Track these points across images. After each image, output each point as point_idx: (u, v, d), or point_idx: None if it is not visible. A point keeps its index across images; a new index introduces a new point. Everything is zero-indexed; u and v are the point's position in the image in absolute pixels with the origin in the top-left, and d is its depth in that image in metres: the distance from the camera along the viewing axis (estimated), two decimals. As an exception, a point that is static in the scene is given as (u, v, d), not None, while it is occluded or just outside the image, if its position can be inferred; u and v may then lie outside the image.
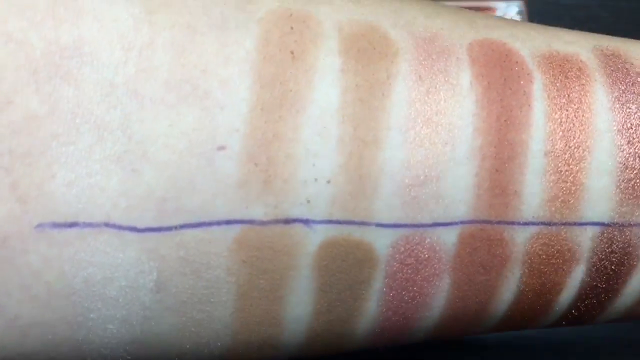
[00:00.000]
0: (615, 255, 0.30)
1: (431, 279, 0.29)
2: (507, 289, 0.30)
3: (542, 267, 0.30)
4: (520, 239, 0.29)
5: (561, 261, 0.30)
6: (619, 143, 0.29)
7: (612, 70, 0.30)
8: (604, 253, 0.30)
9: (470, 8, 0.62)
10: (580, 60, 0.30)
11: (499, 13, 0.62)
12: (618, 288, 0.31)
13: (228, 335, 0.29)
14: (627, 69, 0.30)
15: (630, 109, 0.29)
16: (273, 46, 0.27)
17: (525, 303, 0.31)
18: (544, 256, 0.30)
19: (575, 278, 0.30)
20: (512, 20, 0.33)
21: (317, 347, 0.31)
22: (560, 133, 0.29)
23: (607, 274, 0.31)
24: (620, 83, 0.30)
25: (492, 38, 0.30)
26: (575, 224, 0.29)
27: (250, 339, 0.29)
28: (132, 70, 0.25)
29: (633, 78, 0.30)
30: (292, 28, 0.27)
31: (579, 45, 0.31)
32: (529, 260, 0.30)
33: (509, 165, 0.28)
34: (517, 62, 0.29)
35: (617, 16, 0.66)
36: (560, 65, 0.30)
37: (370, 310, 0.29)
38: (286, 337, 0.29)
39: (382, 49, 0.28)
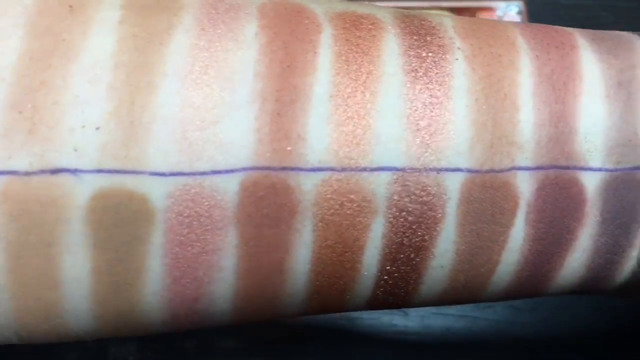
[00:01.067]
0: (415, 205, 0.29)
1: (215, 232, 0.27)
2: (302, 243, 0.28)
3: (336, 218, 0.28)
4: (308, 186, 0.27)
5: (356, 212, 0.28)
6: (410, 86, 0.28)
7: (406, 25, 0.30)
8: (401, 202, 0.28)
9: (470, 8, 0.62)
10: (376, 17, 0.30)
11: (499, 13, 0.62)
12: (427, 246, 0.29)
13: (5, 300, 0.27)
14: (421, 24, 0.30)
15: (421, 55, 0.29)
16: (52, 1, 0.27)
17: (327, 263, 0.29)
18: (336, 206, 0.28)
19: (376, 232, 0.29)
20: None
21: (107, 316, 0.28)
22: (347, 77, 0.28)
23: (411, 228, 0.29)
24: (414, 34, 0.29)
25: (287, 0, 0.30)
26: (366, 169, 0.28)
27: (29, 304, 0.27)
28: None
29: (427, 30, 0.30)
30: None
31: (380, 9, 0.31)
32: (320, 211, 0.28)
33: (291, 108, 0.27)
34: (308, 17, 0.29)
35: (617, 16, 0.66)
36: (352, 20, 0.29)
37: (154, 269, 0.27)
38: (69, 301, 0.27)
39: (167, 4, 0.28)
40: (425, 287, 0.31)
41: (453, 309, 0.53)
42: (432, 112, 0.28)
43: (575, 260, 0.31)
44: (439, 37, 0.30)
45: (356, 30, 0.29)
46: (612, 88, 0.30)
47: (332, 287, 0.30)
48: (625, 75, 0.30)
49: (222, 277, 0.28)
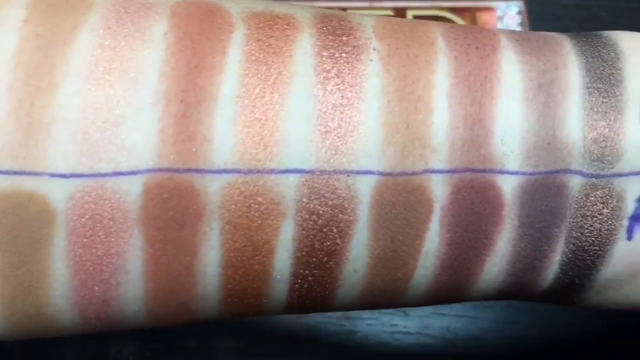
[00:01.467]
0: (325, 208, 0.28)
1: (119, 234, 0.27)
2: (210, 246, 0.28)
3: (243, 221, 0.28)
4: (213, 189, 0.27)
5: (265, 215, 0.28)
6: (320, 87, 0.28)
7: (324, 25, 0.29)
8: (311, 205, 0.28)
9: (470, 8, 0.62)
10: (293, 17, 0.29)
11: (499, 13, 0.62)
12: (340, 249, 0.29)
13: None
14: (340, 24, 0.29)
15: (334, 56, 0.28)
16: None
17: (237, 267, 0.28)
18: (243, 209, 0.27)
19: (286, 235, 0.28)
20: None
21: (17, 318, 0.28)
22: (256, 78, 0.27)
23: (322, 231, 0.28)
24: (330, 34, 0.29)
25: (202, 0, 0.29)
26: (274, 171, 0.27)
27: None
28: None
29: (344, 30, 0.29)
30: None
31: (302, 9, 0.30)
32: (227, 214, 0.27)
33: (196, 109, 0.27)
34: (221, 16, 0.28)
35: (617, 16, 0.66)
36: (267, 20, 0.29)
37: (59, 272, 0.27)
38: None
39: (76, 3, 0.27)
40: (342, 291, 0.30)
41: (453, 309, 0.53)
42: (342, 113, 0.28)
43: (495, 265, 0.30)
44: (355, 38, 0.29)
45: (269, 30, 0.28)
46: (531, 90, 0.29)
47: (245, 291, 0.29)
48: (547, 77, 0.29)
49: (130, 280, 0.28)
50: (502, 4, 0.63)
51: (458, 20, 0.60)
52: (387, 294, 0.31)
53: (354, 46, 0.29)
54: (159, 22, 0.28)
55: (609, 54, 0.30)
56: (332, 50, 0.28)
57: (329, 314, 0.52)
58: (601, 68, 0.30)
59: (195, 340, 0.52)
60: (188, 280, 0.28)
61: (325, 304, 0.31)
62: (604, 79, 0.29)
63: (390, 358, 0.52)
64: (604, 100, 0.29)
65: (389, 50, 0.29)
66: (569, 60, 0.30)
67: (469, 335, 0.52)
